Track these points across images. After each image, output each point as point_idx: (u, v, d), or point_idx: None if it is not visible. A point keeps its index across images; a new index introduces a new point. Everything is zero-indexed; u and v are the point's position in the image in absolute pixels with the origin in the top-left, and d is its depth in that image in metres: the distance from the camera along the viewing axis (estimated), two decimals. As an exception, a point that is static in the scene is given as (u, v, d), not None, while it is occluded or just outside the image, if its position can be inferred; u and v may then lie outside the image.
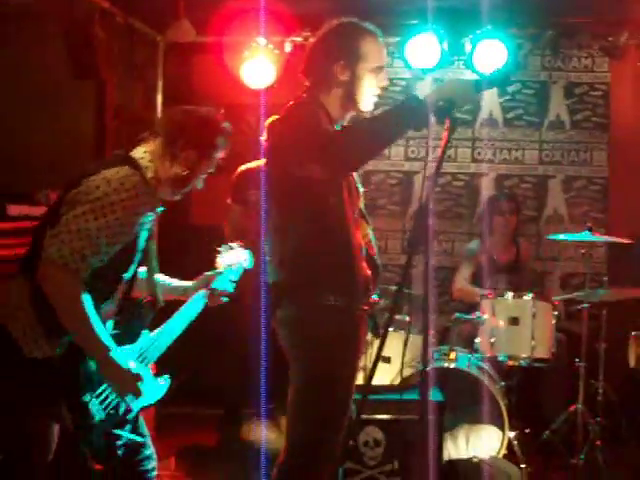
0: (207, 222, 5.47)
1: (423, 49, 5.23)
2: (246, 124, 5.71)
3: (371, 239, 3.00)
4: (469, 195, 6.06)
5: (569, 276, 5.91)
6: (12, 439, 2.56)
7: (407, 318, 4.61)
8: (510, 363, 4.64)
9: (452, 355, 4.50)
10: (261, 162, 2.89)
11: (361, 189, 2.98)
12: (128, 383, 2.59)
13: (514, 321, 4.65)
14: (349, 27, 2.86)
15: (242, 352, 4.19)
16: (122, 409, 2.67)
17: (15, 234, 3.63)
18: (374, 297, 2.89)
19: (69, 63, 4.87)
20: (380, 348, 2.61)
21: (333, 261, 2.73)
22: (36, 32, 4.82)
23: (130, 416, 2.70)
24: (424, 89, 5.75)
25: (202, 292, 3.01)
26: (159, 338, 2.84)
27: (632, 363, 4.73)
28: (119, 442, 2.63)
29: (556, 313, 4.74)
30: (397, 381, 4.40)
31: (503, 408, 4.34)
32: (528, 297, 4.69)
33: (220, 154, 2.75)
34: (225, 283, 3.08)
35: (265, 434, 4.34)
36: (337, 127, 2.86)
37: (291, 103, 2.83)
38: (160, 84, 5.85)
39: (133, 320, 2.76)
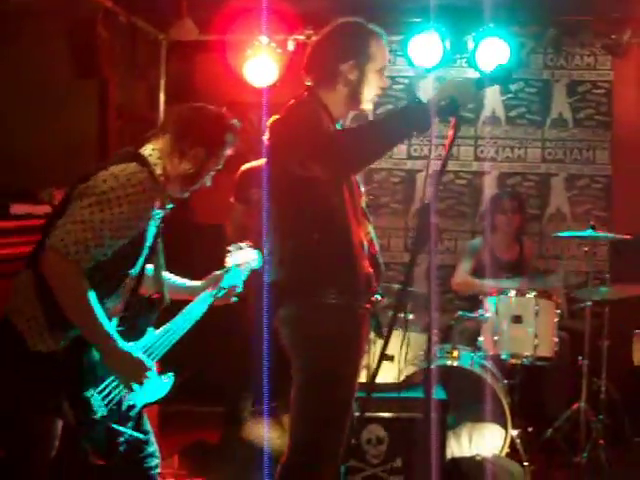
0: (210, 221, 5.47)
1: (425, 47, 5.23)
2: (249, 123, 5.69)
3: (373, 237, 2.99)
4: (472, 193, 6.05)
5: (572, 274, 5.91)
6: (15, 435, 2.56)
7: (411, 316, 4.61)
8: (513, 361, 4.63)
9: (455, 353, 4.51)
10: (263, 161, 2.90)
11: (362, 188, 2.98)
12: (133, 369, 2.58)
13: (517, 319, 4.65)
14: (357, 27, 2.87)
15: (245, 350, 4.19)
16: (125, 405, 2.67)
17: (18, 233, 3.63)
18: (377, 296, 2.89)
19: (71, 62, 4.87)
20: (384, 346, 2.61)
21: (334, 260, 2.73)
22: (37, 31, 4.81)
23: (133, 413, 2.71)
24: (426, 87, 5.76)
25: (208, 292, 3.01)
26: (164, 336, 2.85)
27: (636, 361, 4.73)
28: (121, 438, 2.63)
29: (559, 311, 4.74)
30: (400, 379, 4.41)
31: (506, 406, 4.34)
32: (531, 295, 4.69)
33: (229, 151, 2.75)
34: (234, 282, 3.08)
35: (267, 433, 4.34)
36: (338, 126, 2.86)
37: (292, 102, 2.82)
38: (163, 83, 5.84)
39: (139, 317, 2.76)
